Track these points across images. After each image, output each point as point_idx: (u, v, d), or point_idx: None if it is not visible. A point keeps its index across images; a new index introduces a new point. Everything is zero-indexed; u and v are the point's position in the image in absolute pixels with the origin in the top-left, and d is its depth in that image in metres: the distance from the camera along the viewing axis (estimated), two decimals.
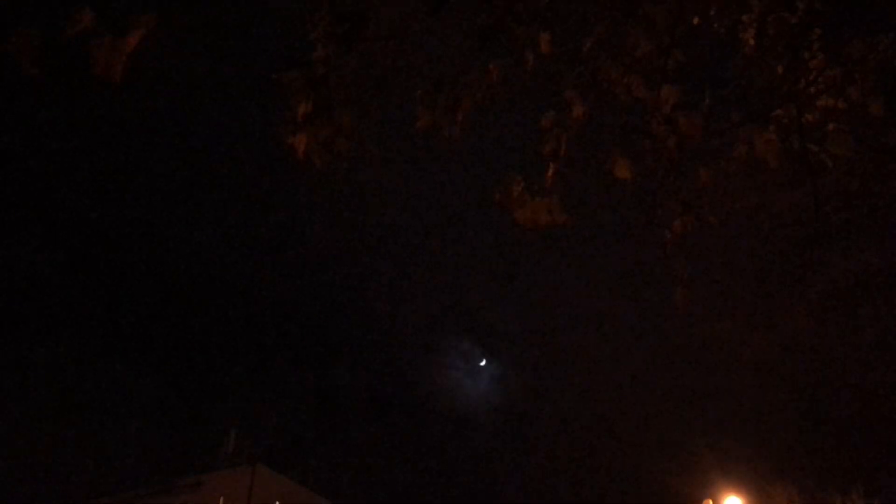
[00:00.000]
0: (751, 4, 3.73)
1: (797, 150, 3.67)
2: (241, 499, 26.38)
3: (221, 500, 26.33)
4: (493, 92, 3.44)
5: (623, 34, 3.43)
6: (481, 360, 46.96)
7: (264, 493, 27.11)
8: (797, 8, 3.72)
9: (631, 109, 3.54)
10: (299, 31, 3.24)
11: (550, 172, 3.36)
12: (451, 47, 3.51)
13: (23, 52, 2.39)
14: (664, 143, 3.46)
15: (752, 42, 3.78)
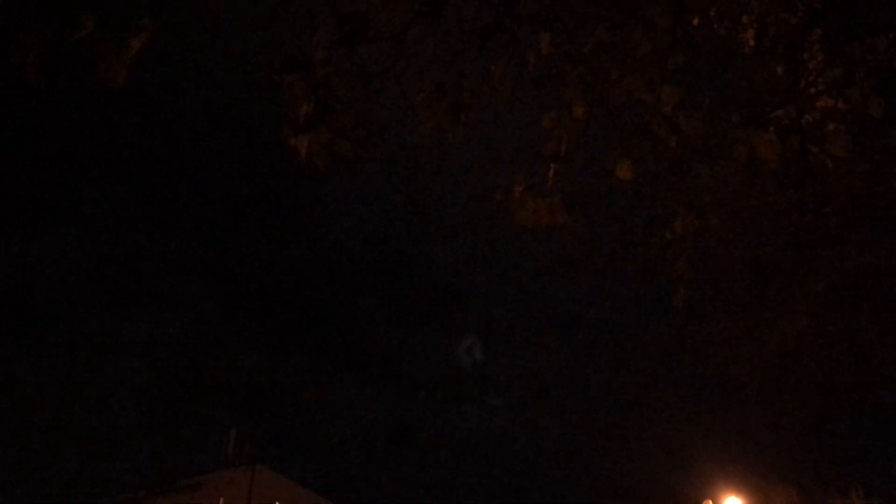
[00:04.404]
0: (751, 5, 3.74)
1: (797, 151, 3.67)
2: (241, 499, 26.33)
3: (221, 500, 26.29)
4: (495, 93, 3.43)
5: (623, 35, 3.43)
6: (481, 358, 46.87)
7: (264, 493, 27.06)
8: (797, 8, 3.73)
9: (631, 110, 3.54)
10: (300, 32, 3.24)
11: (551, 173, 3.35)
12: (452, 48, 3.51)
13: (26, 60, 2.36)
14: (665, 144, 3.46)
15: (752, 42, 3.78)
